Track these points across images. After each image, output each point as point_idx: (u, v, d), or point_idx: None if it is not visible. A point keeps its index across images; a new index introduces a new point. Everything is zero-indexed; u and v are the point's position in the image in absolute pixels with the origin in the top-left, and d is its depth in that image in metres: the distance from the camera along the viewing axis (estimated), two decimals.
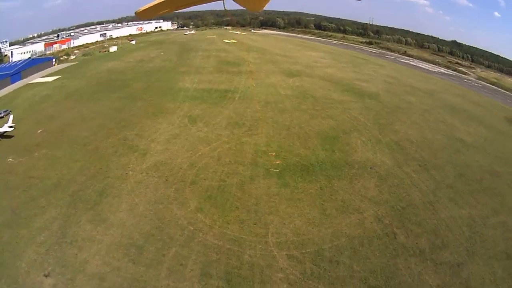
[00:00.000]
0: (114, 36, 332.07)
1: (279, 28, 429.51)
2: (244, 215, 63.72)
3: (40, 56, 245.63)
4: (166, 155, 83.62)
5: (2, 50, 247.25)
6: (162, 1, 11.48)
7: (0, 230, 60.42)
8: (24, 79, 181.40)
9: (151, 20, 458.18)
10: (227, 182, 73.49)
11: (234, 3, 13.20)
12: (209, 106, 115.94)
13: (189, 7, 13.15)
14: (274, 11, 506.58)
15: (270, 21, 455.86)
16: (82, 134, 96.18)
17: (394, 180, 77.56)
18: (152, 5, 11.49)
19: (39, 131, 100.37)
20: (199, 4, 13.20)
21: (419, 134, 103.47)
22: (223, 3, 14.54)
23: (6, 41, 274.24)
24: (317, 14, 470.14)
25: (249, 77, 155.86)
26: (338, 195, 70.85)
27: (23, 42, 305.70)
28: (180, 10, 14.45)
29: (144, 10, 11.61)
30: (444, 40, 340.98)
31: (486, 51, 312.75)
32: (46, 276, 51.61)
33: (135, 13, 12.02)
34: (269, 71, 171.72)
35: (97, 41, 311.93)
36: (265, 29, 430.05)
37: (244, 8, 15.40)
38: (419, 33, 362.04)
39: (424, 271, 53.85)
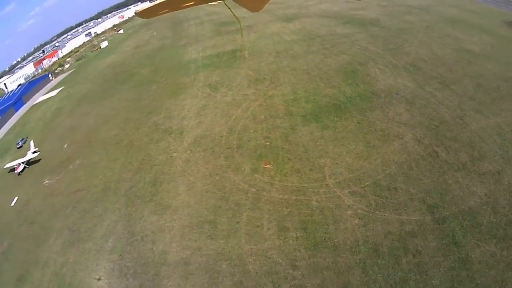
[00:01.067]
0: (99, 32, 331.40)
1: None
2: (298, 164, 65.09)
3: (34, 77, 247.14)
4: (203, 128, 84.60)
5: None
6: (162, 1, 12.07)
7: (64, 252, 62.53)
8: (28, 103, 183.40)
9: (128, 6, 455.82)
10: (271, 137, 74.55)
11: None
12: (224, 70, 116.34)
13: (188, 7, 13.97)
14: None
15: None
16: (111, 133, 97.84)
17: (421, 101, 78.54)
18: (152, 5, 12.21)
19: (65, 146, 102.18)
20: (199, 5, 13.58)
21: (429, 52, 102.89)
22: (225, 3, 15.05)
23: None
24: None
25: (249, 31, 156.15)
26: (376, 125, 72.29)
27: (11, 71, 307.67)
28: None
29: (144, 10, 12.51)
30: None
31: None
32: (98, 279, 54.26)
33: (135, 13, 13.16)
34: (266, 20, 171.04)
35: (84, 42, 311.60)
36: None
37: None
38: None
39: (471, 183, 56.17)
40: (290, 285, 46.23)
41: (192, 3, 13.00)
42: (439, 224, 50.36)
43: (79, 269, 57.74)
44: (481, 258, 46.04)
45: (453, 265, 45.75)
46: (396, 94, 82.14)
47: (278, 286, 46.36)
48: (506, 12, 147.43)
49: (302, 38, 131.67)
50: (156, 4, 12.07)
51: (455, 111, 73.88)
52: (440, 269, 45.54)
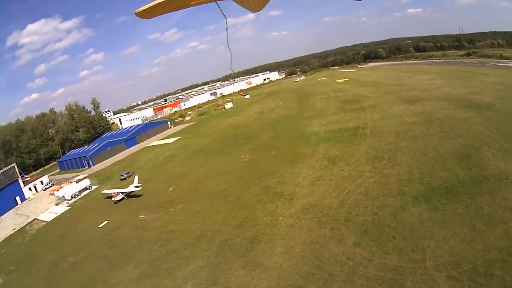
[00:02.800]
0: (225, 94, 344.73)
1: (382, 58, 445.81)
2: (401, 243, 63.26)
3: (151, 120, 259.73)
4: (314, 197, 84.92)
5: (108, 119, 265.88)
6: (162, 1, 11.98)
7: (138, 282, 64.76)
8: (141, 143, 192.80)
9: (256, 73, 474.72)
10: (380, 214, 73.43)
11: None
12: (344, 145, 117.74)
13: (189, 7, 13.71)
14: (372, 42, 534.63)
15: (372, 53, 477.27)
16: (220, 187, 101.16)
17: None
18: (152, 5, 12.04)
19: (170, 189, 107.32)
20: (199, 5, 13.59)
21: None
22: (220, 8, 14.47)
23: (109, 110, 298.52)
24: (412, 36, 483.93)
25: (373, 111, 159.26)
26: (483, 210, 69.02)
27: (128, 110, 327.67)
28: (185, 9, 14.41)
29: (144, 10, 12.23)
30: None
31: None
32: None
33: (135, 13, 12.50)
34: (390, 102, 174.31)
35: (208, 100, 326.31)
36: (369, 62, 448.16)
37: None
38: (505, 31, 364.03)
39: None
40: None
41: (192, 2, 13.05)
42: None
43: None
44: None
45: None
46: (506, 179, 79.17)
47: None
48: None
49: (422, 120, 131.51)
50: (156, 4, 12.01)
51: None
52: None
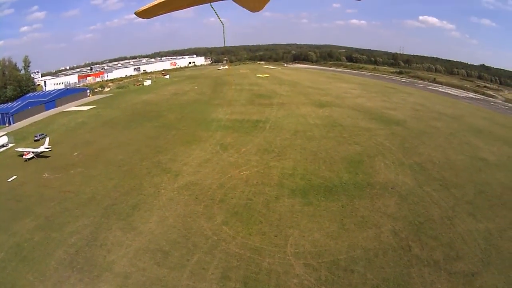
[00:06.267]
0: (148, 71, 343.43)
1: (311, 61, 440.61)
2: (267, 228, 68.67)
3: (73, 87, 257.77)
4: (197, 177, 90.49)
5: (35, 80, 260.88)
6: (162, 1, 12.26)
7: (33, 232, 69.05)
8: (59, 107, 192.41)
9: (184, 56, 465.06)
10: (254, 200, 79.11)
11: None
12: (240, 135, 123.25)
13: (188, 7, 14.15)
14: (306, 44, 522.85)
15: (302, 55, 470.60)
16: (118, 157, 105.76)
17: (414, 198, 79.80)
18: (152, 5, 12.28)
19: (75, 153, 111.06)
20: (198, 5, 14.07)
21: (442, 156, 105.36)
22: (215, 11, 14.80)
23: (38, 72, 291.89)
24: (348, 46, 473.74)
25: (280, 108, 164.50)
26: (358, 212, 74.31)
27: (55, 74, 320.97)
28: (180, 10, 14.10)
29: (144, 10, 12.55)
30: (473, 65, 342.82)
31: None
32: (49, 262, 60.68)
33: (135, 13, 12.69)
34: (300, 102, 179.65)
35: (131, 75, 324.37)
36: (298, 63, 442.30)
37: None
38: (449, 60, 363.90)
39: (437, 280, 55.05)
40: None
41: (192, 3, 13.26)
42: None
43: (38, 248, 63.77)
44: None
45: None
46: (392, 188, 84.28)
47: None
48: None
49: (325, 123, 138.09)
50: (155, 4, 12.13)
51: (447, 212, 74.80)
52: None
